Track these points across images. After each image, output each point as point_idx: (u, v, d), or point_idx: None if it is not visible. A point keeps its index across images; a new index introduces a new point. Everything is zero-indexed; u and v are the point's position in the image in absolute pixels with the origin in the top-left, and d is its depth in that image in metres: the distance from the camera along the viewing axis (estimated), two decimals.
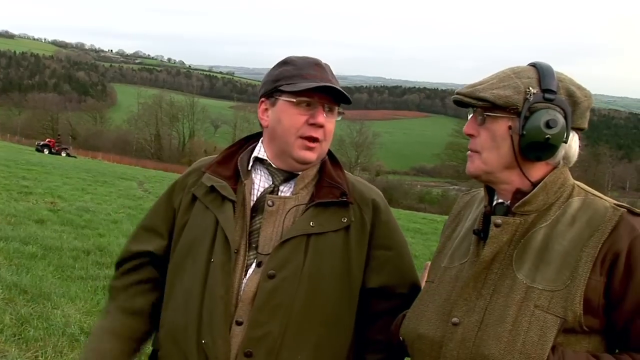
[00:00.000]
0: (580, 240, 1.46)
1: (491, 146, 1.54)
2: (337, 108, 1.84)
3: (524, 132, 1.49)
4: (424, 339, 1.59)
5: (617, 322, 1.46)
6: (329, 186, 1.83)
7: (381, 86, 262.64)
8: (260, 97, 1.87)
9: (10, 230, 8.44)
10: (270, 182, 1.85)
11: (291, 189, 1.84)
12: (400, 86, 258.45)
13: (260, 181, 1.86)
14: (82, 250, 7.84)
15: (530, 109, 1.50)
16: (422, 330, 1.60)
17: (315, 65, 1.82)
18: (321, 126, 1.79)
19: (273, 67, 1.87)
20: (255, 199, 1.82)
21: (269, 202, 1.79)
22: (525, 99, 1.50)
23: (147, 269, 1.94)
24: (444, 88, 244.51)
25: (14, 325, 4.65)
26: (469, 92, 1.55)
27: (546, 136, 1.48)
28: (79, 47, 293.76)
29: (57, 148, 56.75)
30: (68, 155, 54.65)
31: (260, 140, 1.91)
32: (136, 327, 1.90)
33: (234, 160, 1.89)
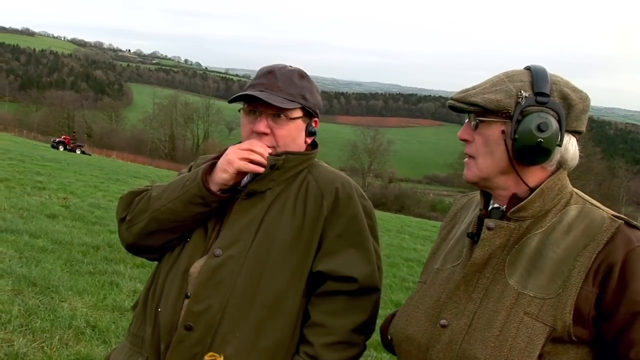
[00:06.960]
0: (575, 249, 1.43)
1: (485, 151, 1.52)
2: (289, 113, 1.85)
3: (516, 136, 1.46)
4: (411, 341, 1.58)
5: (608, 334, 1.41)
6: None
7: (397, 93, 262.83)
8: None
9: (22, 223, 8.50)
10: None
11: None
12: (416, 94, 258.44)
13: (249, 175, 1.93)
14: (92, 246, 7.88)
15: (523, 113, 1.47)
16: (410, 332, 1.59)
17: (267, 74, 1.88)
18: (263, 134, 1.85)
19: None
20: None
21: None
22: (517, 103, 1.47)
23: None
24: None
25: (21, 316, 4.70)
26: (461, 97, 1.53)
27: (538, 139, 1.44)
28: (98, 46, 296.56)
29: (72, 145, 57.25)
30: (83, 152, 55.09)
31: None
32: None
33: None
